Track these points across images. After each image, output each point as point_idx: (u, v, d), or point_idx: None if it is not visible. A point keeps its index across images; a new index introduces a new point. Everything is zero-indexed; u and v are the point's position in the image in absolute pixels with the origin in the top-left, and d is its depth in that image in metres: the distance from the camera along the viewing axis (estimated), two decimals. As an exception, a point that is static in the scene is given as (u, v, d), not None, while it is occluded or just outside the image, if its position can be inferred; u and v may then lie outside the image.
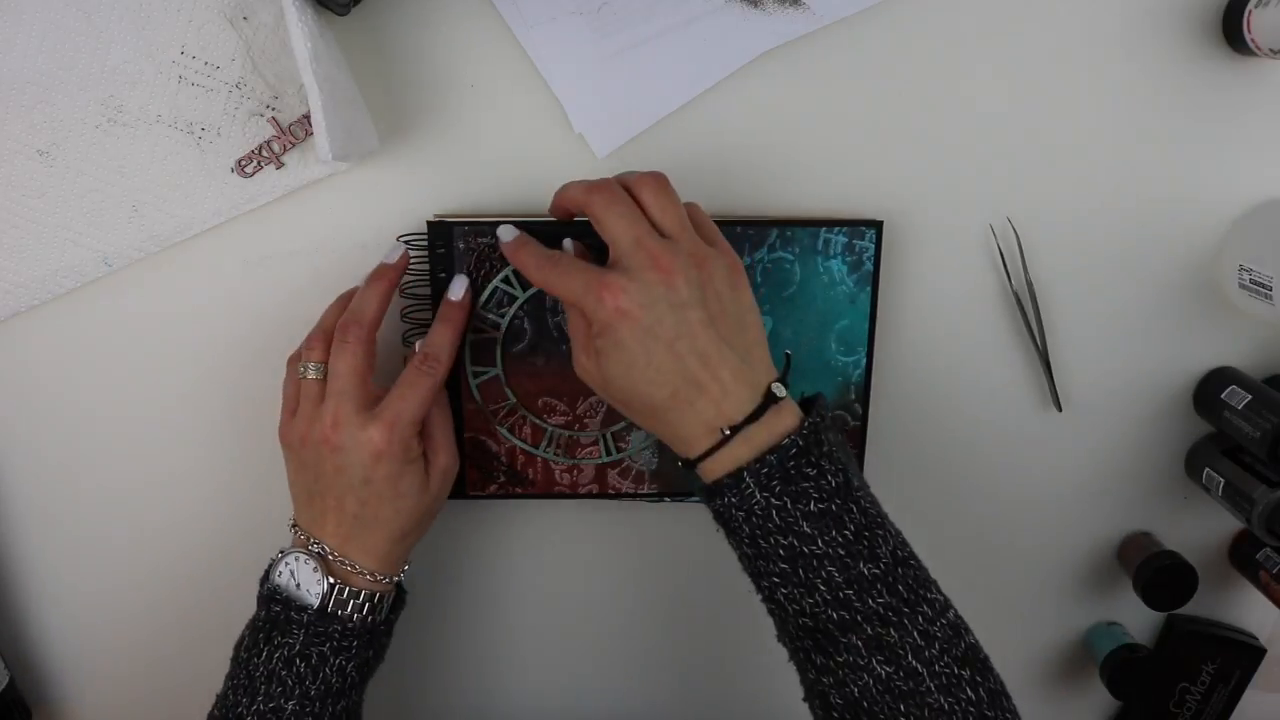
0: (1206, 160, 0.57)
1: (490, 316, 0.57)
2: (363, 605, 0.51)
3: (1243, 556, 0.66)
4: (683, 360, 0.45)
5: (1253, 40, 0.52)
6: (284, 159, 0.54)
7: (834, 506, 0.45)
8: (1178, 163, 0.58)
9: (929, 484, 0.64)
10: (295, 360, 0.54)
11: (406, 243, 0.56)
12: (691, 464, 0.47)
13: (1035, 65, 0.55)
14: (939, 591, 0.47)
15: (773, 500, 0.44)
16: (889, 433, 0.63)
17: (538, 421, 0.59)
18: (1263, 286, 0.54)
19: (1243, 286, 0.56)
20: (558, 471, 0.60)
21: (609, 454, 0.60)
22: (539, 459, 0.60)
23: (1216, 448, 0.62)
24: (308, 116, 0.53)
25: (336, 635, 0.50)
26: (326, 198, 0.56)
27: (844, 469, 0.46)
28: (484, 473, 0.60)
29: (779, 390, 0.46)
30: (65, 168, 0.54)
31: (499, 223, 0.55)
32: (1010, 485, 0.65)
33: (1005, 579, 0.67)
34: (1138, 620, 0.69)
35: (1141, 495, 0.65)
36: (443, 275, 0.56)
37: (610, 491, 0.61)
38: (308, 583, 0.51)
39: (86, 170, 0.54)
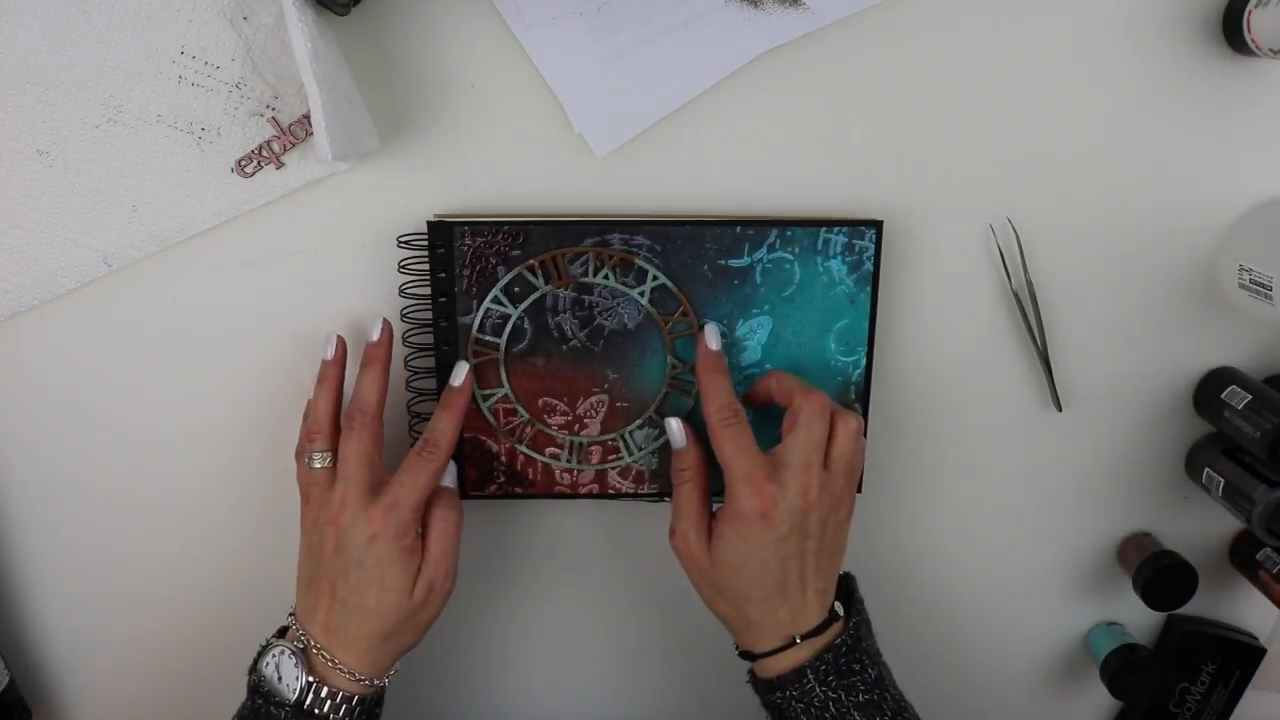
0: (1206, 160, 0.57)
1: (487, 338, 0.57)
2: (339, 706, 0.51)
3: (1243, 556, 0.66)
4: (787, 575, 0.52)
5: (1253, 40, 0.52)
6: (284, 159, 0.54)
7: (875, 696, 0.51)
8: (1178, 163, 0.58)
9: (929, 484, 0.64)
10: (301, 454, 0.55)
11: (406, 243, 0.56)
12: (753, 656, 0.54)
13: (1035, 65, 0.55)
14: None
15: (829, 694, 0.51)
16: (889, 433, 0.63)
17: (553, 433, 0.59)
18: (1263, 286, 0.54)
19: (1243, 286, 0.56)
20: (558, 471, 0.60)
21: (630, 454, 0.60)
22: (538, 459, 0.60)
23: (1216, 448, 0.62)
24: (308, 116, 0.53)
25: None
26: (326, 198, 0.56)
27: (877, 662, 0.53)
28: (484, 473, 0.60)
29: (839, 609, 0.54)
30: (65, 168, 0.54)
31: (499, 222, 0.55)
32: (1010, 485, 0.65)
33: (1005, 579, 0.67)
34: (1138, 620, 0.69)
35: (1141, 495, 0.65)
36: (442, 275, 0.56)
37: (610, 491, 0.61)
38: (288, 677, 0.51)
39: (86, 170, 0.54)
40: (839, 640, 0.52)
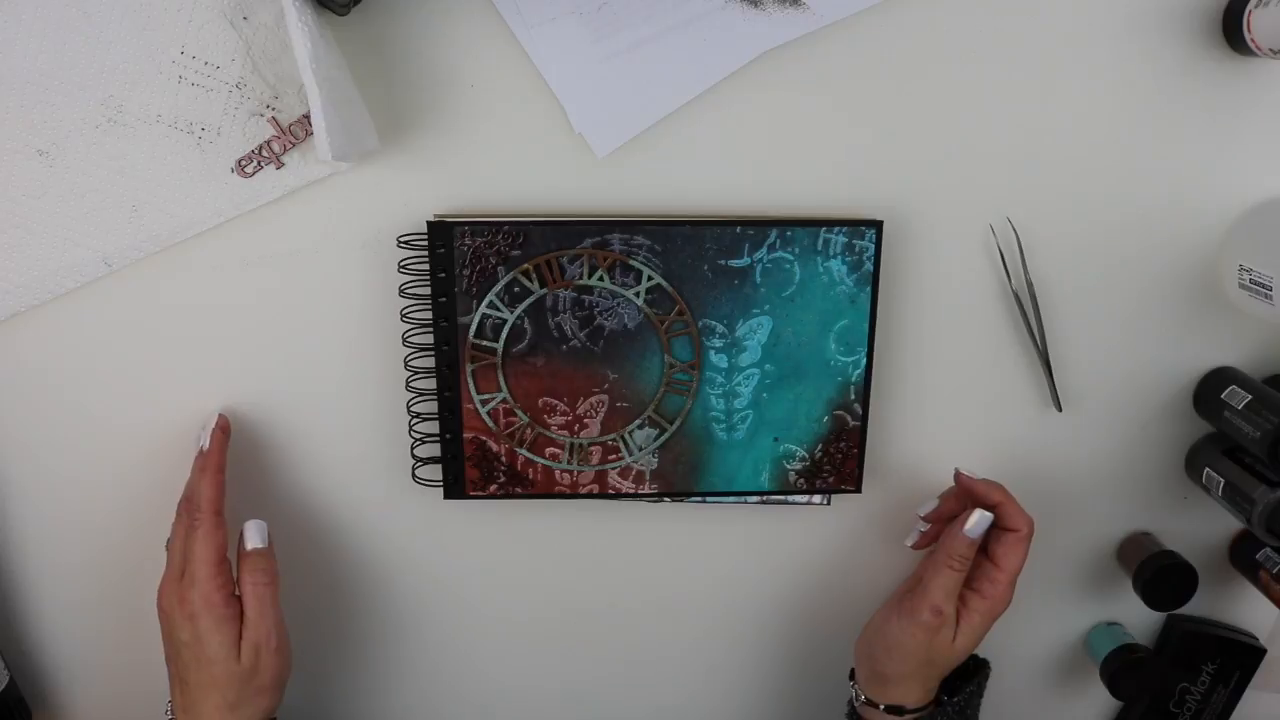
0: (1206, 160, 0.57)
1: (485, 343, 0.57)
2: None
3: (1243, 556, 0.66)
4: (930, 666, 0.59)
5: (1253, 40, 0.52)
6: (284, 159, 0.54)
7: None
8: (1178, 163, 0.57)
9: (929, 484, 0.64)
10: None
11: (406, 243, 0.56)
12: (900, 711, 0.59)
13: (1035, 65, 0.55)
14: None
15: None
16: (889, 433, 0.63)
17: (553, 435, 0.59)
18: (1263, 286, 0.54)
19: (1243, 286, 0.56)
20: (558, 471, 0.60)
21: (631, 454, 0.60)
22: (538, 460, 0.60)
23: (1216, 448, 0.62)
24: (308, 116, 0.53)
25: None
26: (326, 198, 0.56)
27: None
28: (484, 473, 0.60)
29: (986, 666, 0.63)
30: (65, 168, 0.54)
31: (499, 222, 0.55)
32: (1010, 485, 0.64)
33: (1005, 579, 0.67)
34: (1138, 620, 0.69)
35: (1141, 495, 0.65)
36: (442, 275, 0.56)
37: (610, 491, 0.61)
38: None
39: (86, 170, 0.54)
40: (957, 699, 0.59)
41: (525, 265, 0.55)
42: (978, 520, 0.57)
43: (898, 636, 0.58)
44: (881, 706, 0.59)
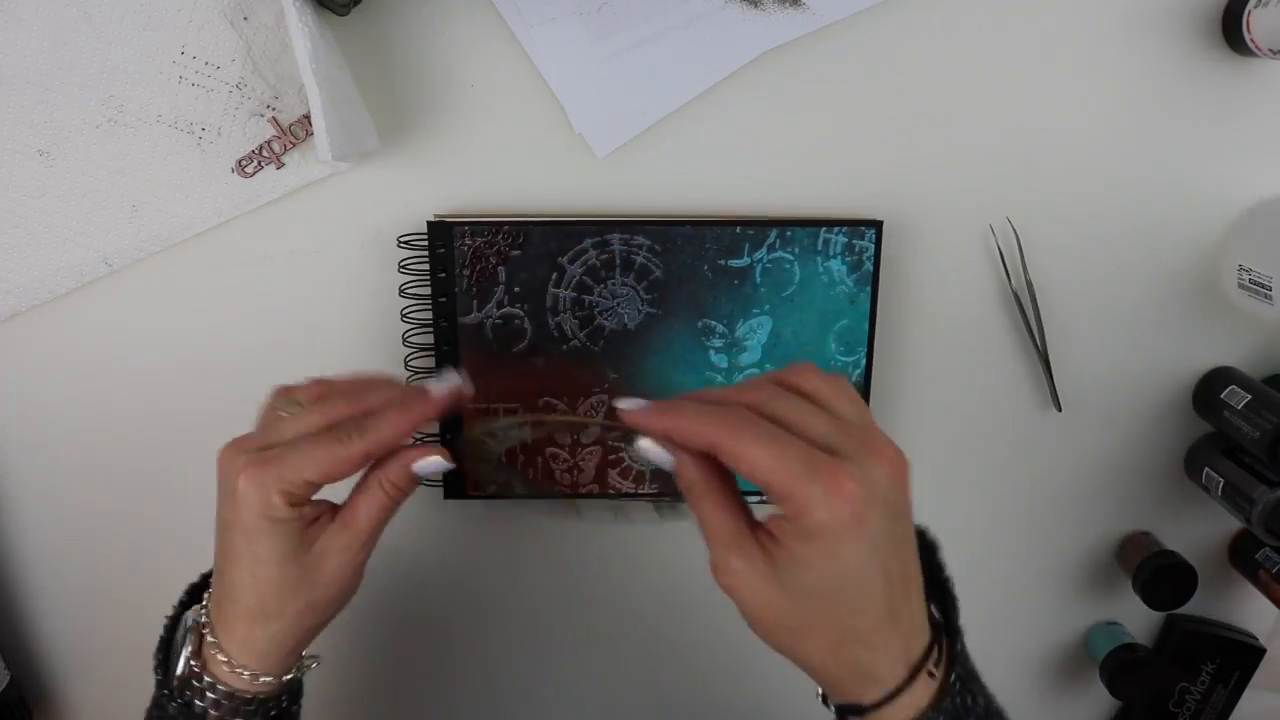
0: (1206, 160, 0.57)
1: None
2: (218, 703, 0.42)
3: (1242, 556, 0.66)
4: (891, 584, 0.37)
5: (1252, 40, 0.52)
6: (284, 159, 0.54)
7: None
8: (1178, 162, 0.58)
9: (929, 484, 0.64)
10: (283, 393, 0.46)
11: (406, 243, 0.56)
12: (860, 711, 0.39)
13: (1035, 65, 0.55)
14: None
15: None
16: (889, 433, 0.62)
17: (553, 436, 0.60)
18: (1263, 286, 0.54)
19: (1242, 286, 0.56)
20: (558, 471, 0.60)
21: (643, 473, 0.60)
22: (538, 459, 0.60)
23: (1216, 448, 0.62)
24: (308, 116, 0.53)
25: None
26: (326, 198, 0.56)
27: (984, 686, 0.42)
28: (484, 473, 0.60)
29: (936, 612, 0.41)
30: (65, 168, 0.54)
31: (499, 222, 0.55)
32: (1010, 485, 0.65)
33: (1005, 579, 0.67)
34: (1138, 620, 0.69)
35: (1141, 495, 0.65)
36: (442, 275, 0.56)
37: (610, 491, 0.61)
38: (181, 653, 0.43)
39: (86, 170, 0.54)
40: (952, 676, 0.39)
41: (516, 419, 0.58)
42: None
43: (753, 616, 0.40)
44: (867, 705, 0.39)
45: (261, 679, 0.43)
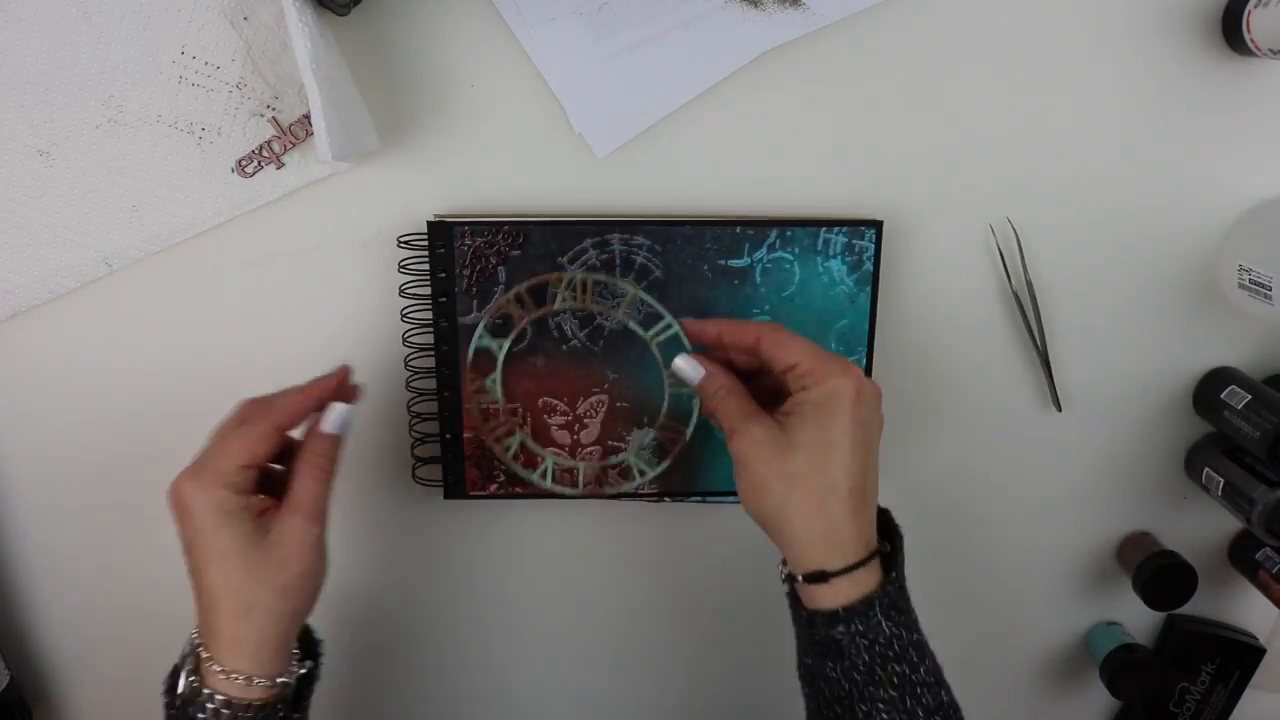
0: (1206, 160, 0.57)
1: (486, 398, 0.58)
2: (218, 712, 0.44)
3: (1242, 556, 0.66)
4: (868, 467, 0.47)
5: (1252, 40, 0.52)
6: (284, 159, 0.54)
7: (922, 637, 0.48)
8: (1178, 163, 0.58)
9: (928, 484, 0.64)
10: None
11: (406, 243, 0.56)
12: (824, 577, 0.46)
13: (1035, 65, 0.55)
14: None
15: (894, 630, 0.46)
16: (889, 433, 0.62)
17: (554, 435, 0.59)
18: (1263, 286, 0.54)
19: (1242, 286, 0.56)
20: (558, 471, 0.60)
21: (631, 453, 0.60)
22: (538, 459, 0.60)
23: (1216, 448, 0.62)
24: (308, 116, 0.53)
25: None
26: (326, 198, 0.56)
27: (909, 602, 0.49)
28: (484, 473, 0.60)
29: (896, 524, 0.50)
30: (65, 168, 0.54)
31: (499, 222, 0.55)
32: (1010, 485, 0.65)
33: (1005, 579, 0.67)
34: (1138, 620, 0.69)
35: (1141, 495, 0.65)
36: (442, 275, 0.56)
37: (610, 492, 0.61)
38: (182, 674, 0.46)
39: (86, 170, 0.54)
40: (894, 573, 0.47)
41: (507, 296, 0.56)
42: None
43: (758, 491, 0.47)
44: (831, 571, 0.46)
45: (257, 681, 0.45)
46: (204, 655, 0.45)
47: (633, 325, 0.57)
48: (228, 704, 0.44)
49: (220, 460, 0.46)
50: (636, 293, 0.56)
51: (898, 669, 0.46)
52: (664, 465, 0.60)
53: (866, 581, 0.46)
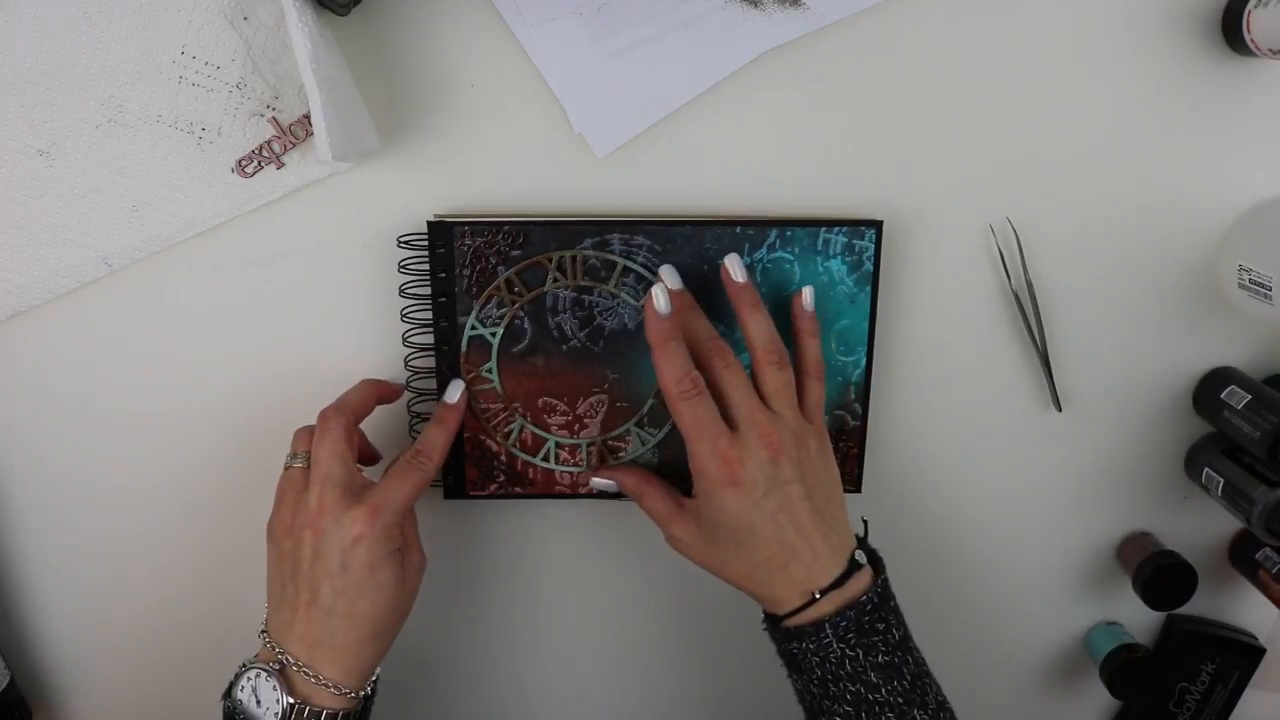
0: (1206, 160, 0.57)
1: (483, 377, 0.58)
2: None
3: (1242, 556, 0.66)
4: (781, 530, 0.50)
5: (1252, 40, 0.52)
6: (284, 159, 0.54)
7: (895, 659, 0.50)
8: (1178, 163, 0.58)
9: (929, 484, 0.64)
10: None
11: (406, 243, 0.56)
12: (778, 619, 0.51)
13: (1035, 65, 0.55)
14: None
15: (847, 651, 0.49)
16: (889, 433, 0.63)
17: (554, 435, 0.59)
18: (1262, 286, 0.54)
19: (1242, 286, 0.56)
20: (558, 471, 0.60)
21: (631, 453, 0.60)
22: (542, 441, 0.60)
23: (1216, 448, 0.62)
24: (308, 116, 0.53)
25: None
26: (326, 198, 0.56)
27: (902, 622, 0.52)
28: (484, 473, 0.60)
29: (860, 558, 0.51)
30: (65, 168, 0.54)
31: (499, 222, 0.55)
32: (1010, 485, 0.65)
33: (1005, 579, 0.67)
34: (1138, 620, 0.69)
35: (1141, 495, 0.65)
36: (442, 275, 0.56)
37: (611, 492, 0.61)
38: (267, 700, 0.48)
39: (86, 170, 0.54)
40: (864, 598, 0.50)
41: (498, 282, 0.56)
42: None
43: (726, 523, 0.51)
44: (781, 615, 0.51)
45: (357, 693, 0.50)
46: (308, 675, 0.49)
47: (625, 295, 0.56)
48: (334, 716, 0.49)
49: (399, 504, 0.51)
50: (624, 263, 0.55)
51: (851, 688, 0.49)
52: (663, 432, 0.60)
53: (816, 612, 0.50)
